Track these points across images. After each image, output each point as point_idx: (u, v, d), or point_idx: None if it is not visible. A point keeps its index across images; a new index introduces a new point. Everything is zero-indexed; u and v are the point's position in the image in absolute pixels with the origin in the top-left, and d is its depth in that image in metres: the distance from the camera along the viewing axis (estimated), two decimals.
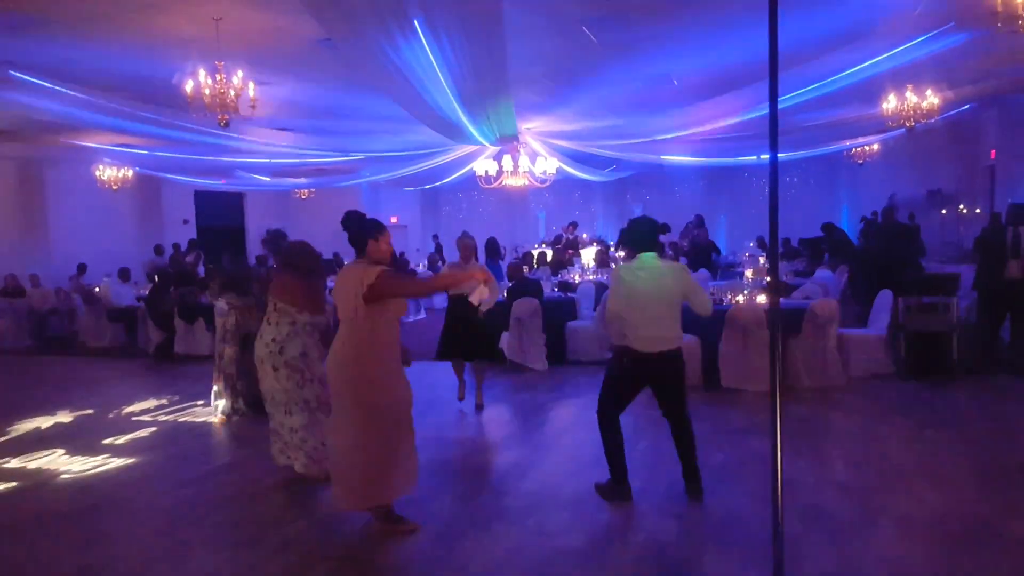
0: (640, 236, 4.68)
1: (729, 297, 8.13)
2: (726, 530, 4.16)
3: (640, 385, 4.63)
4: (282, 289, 5.21)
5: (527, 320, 8.87)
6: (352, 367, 4.12)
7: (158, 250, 15.52)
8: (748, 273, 10.34)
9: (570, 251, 14.47)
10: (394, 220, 21.15)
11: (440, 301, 7.38)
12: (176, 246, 16.00)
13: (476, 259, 7.19)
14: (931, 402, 6.92)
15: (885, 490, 4.70)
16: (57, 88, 8.55)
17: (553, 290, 10.51)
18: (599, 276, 12.53)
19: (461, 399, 7.25)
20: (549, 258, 13.85)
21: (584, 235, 17.29)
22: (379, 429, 4.11)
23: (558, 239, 15.91)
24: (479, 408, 7.24)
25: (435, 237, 19.54)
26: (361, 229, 4.25)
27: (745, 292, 8.17)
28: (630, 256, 4.67)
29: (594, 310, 10.18)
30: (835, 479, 4.91)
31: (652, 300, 4.46)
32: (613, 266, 8.58)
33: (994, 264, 8.03)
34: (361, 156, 14.77)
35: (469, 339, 6.97)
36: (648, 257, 4.58)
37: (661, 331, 4.47)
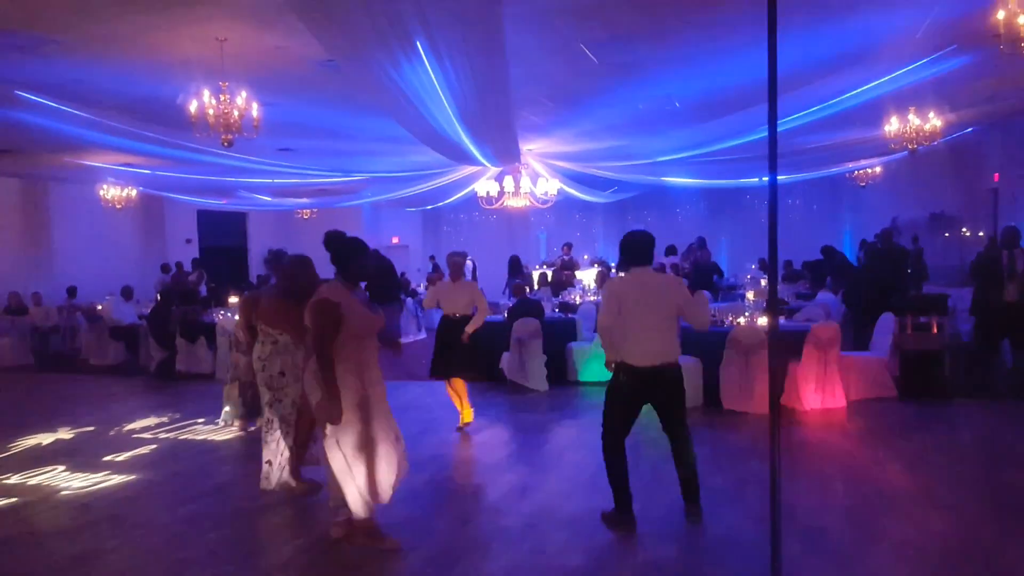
0: (634, 249, 4.57)
1: (730, 319, 8.12)
2: (725, 552, 4.12)
3: (640, 402, 4.51)
4: (267, 310, 5.25)
5: (528, 340, 8.86)
6: (315, 389, 4.09)
7: (165, 268, 15.59)
8: (749, 295, 10.35)
9: (566, 272, 14.42)
10: (395, 240, 21.23)
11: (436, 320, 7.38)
12: (179, 265, 16.05)
13: (464, 276, 7.22)
14: (932, 426, 6.89)
15: (884, 513, 4.65)
16: (62, 108, 8.63)
17: (554, 311, 10.51)
18: (599, 297, 12.54)
19: (461, 428, 7.12)
20: (549, 279, 13.86)
21: (585, 256, 17.30)
22: (349, 444, 4.08)
23: (562, 261, 15.90)
24: (465, 424, 7.15)
25: (432, 258, 19.59)
26: (346, 247, 4.25)
27: (746, 314, 8.16)
28: (625, 270, 4.62)
29: (594, 331, 10.18)
30: (834, 502, 4.86)
31: (647, 312, 4.39)
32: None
33: (992, 287, 8.06)
34: (363, 177, 14.85)
35: (458, 357, 6.97)
36: (642, 270, 4.53)
37: (657, 344, 4.38)
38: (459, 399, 7.14)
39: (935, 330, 7.81)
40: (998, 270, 8.01)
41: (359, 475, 4.12)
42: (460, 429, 7.11)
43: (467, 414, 7.18)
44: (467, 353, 7.02)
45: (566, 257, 15.51)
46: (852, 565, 3.89)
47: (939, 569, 3.85)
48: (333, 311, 4.00)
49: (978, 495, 4.97)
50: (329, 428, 4.07)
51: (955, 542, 4.18)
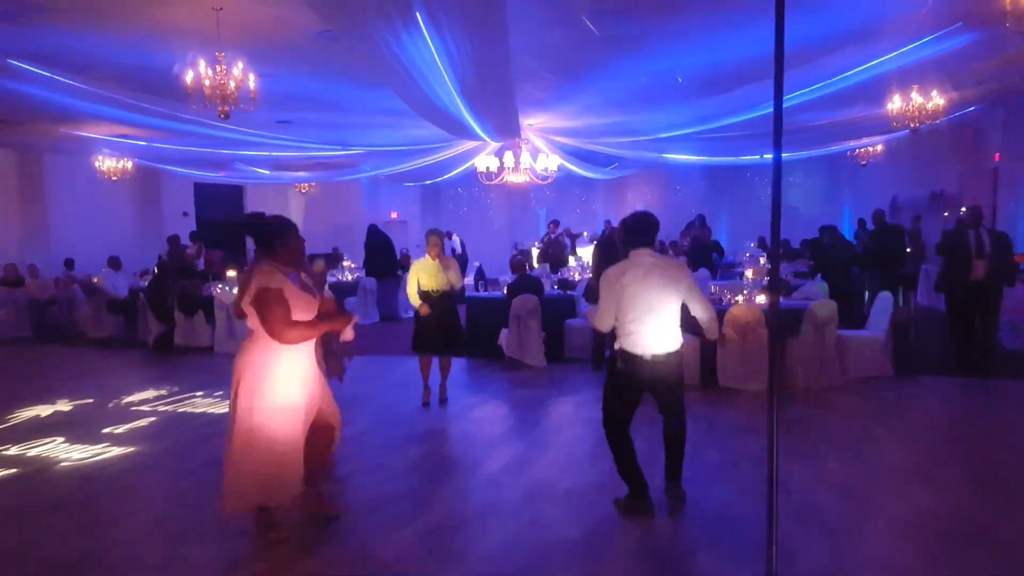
0: (635, 229, 4.40)
1: (729, 297, 8.13)
2: (720, 527, 4.15)
3: (640, 390, 4.35)
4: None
5: (526, 317, 8.86)
6: (240, 369, 3.94)
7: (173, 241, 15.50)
8: (748, 273, 10.33)
9: (551, 250, 14.21)
10: (394, 216, 21.13)
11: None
12: (176, 237, 16.00)
13: (444, 253, 7.16)
14: (926, 403, 6.94)
15: (878, 490, 4.70)
16: (56, 78, 8.51)
17: (553, 288, 10.51)
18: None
19: (426, 404, 7.17)
20: (535, 258, 13.81)
21: (584, 233, 17.23)
22: (263, 434, 3.89)
23: (548, 239, 15.71)
24: (443, 403, 7.24)
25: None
26: (267, 230, 3.96)
27: (745, 292, 8.16)
28: (625, 252, 4.42)
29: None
30: (829, 479, 4.89)
31: (647, 298, 4.22)
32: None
33: (960, 265, 8.16)
34: (361, 150, 14.74)
35: (440, 333, 7.00)
36: (643, 253, 4.32)
37: (657, 331, 4.24)
38: (432, 376, 7.26)
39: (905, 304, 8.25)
40: (966, 249, 8.09)
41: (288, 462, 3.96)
42: (426, 405, 7.15)
43: (443, 390, 7.28)
44: (450, 330, 7.10)
45: (553, 235, 15.34)
46: (845, 540, 3.93)
47: (931, 545, 3.89)
48: (277, 298, 3.79)
49: (969, 472, 5.01)
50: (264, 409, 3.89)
51: (945, 517, 4.22)
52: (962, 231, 8.39)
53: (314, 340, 4.09)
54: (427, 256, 7.05)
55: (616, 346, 4.34)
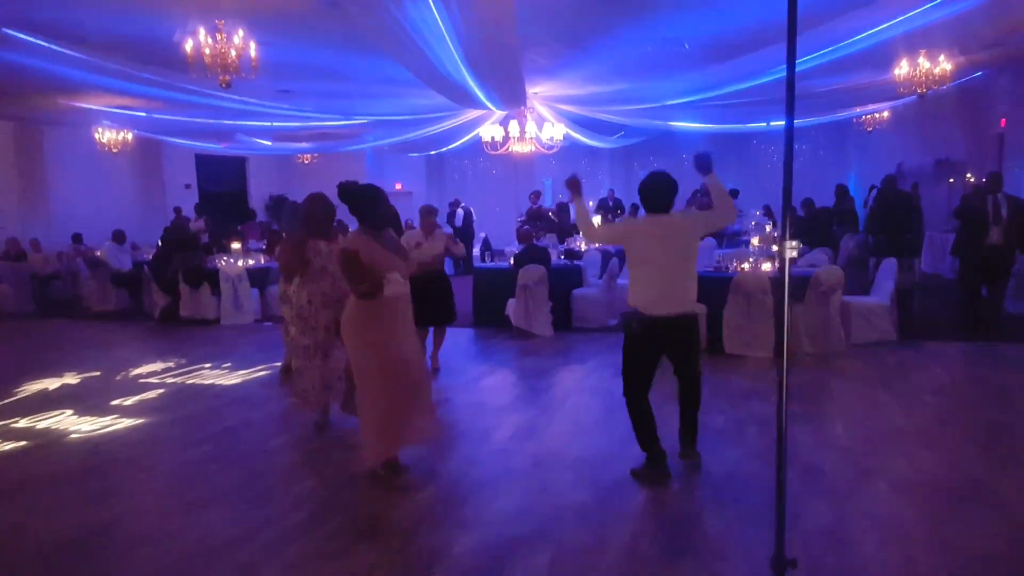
0: (650, 193, 4.27)
1: (735, 265, 8.12)
2: (727, 489, 4.19)
3: (657, 353, 4.29)
4: (285, 251, 5.43)
5: (534, 287, 8.86)
6: (349, 327, 4.33)
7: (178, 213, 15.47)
8: (754, 241, 10.32)
9: (537, 222, 13.76)
10: (399, 187, 21.03)
11: None
12: (178, 210, 15.96)
13: (439, 228, 7.30)
14: (928, 368, 6.97)
15: (882, 452, 4.74)
16: (53, 47, 8.41)
17: (560, 258, 10.51)
18: (604, 244, 12.49)
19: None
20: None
21: (591, 203, 17.11)
22: (383, 386, 4.27)
23: (529, 211, 15.43)
24: (435, 371, 7.25)
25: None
26: (355, 194, 4.35)
27: (751, 260, 8.15)
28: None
29: (599, 278, 10.19)
30: (834, 442, 4.94)
31: (666, 257, 4.14)
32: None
33: (976, 231, 8.18)
34: (365, 120, 14.62)
35: (432, 306, 7.00)
36: (661, 217, 4.25)
37: (676, 292, 4.17)
38: (438, 345, 7.40)
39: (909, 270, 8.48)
40: (983, 215, 8.08)
41: (378, 414, 4.29)
42: (435, 372, 7.23)
43: (435, 360, 7.34)
44: (444, 303, 7.22)
45: (534, 206, 15.13)
46: (850, 501, 3.97)
47: (935, 505, 3.94)
48: (352, 259, 4.18)
49: (971, 434, 5.07)
50: (362, 367, 4.32)
51: (948, 478, 4.27)
52: (980, 196, 8.38)
53: (403, 297, 4.39)
54: (419, 230, 7.16)
55: (633, 306, 4.29)
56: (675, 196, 4.33)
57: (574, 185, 4.55)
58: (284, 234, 6.30)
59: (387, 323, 4.29)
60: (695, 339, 4.37)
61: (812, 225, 11.94)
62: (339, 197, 4.35)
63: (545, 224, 14.38)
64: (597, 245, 11.50)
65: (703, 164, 4.35)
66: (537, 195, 15.35)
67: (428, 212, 7.30)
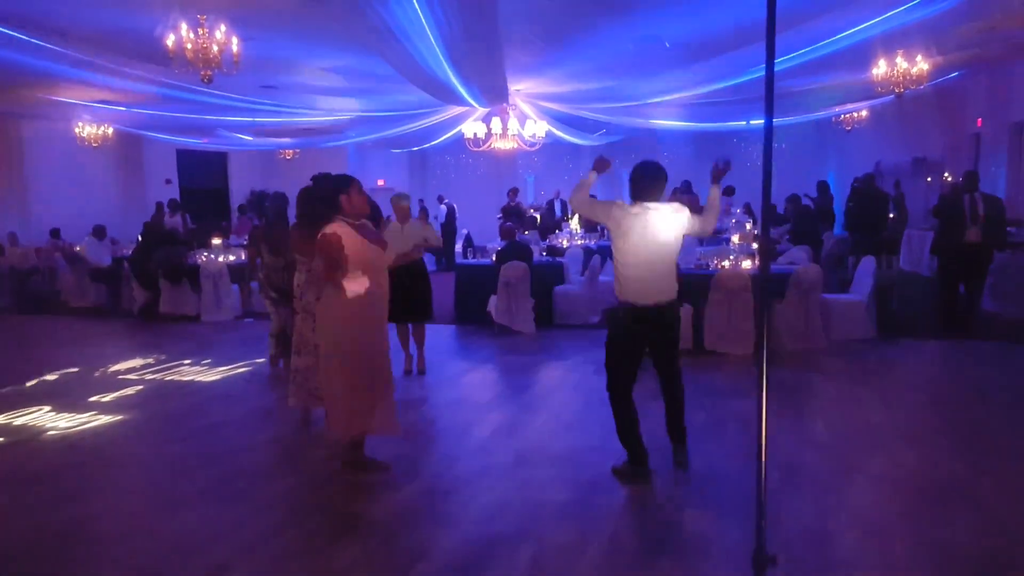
0: (641, 182, 4.26)
1: (715, 262, 8.18)
2: (708, 487, 4.23)
3: (641, 344, 4.31)
4: (296, 242, 5.51)
5: (516, 284, 8.87)
6: (324, 314, 4.37)
7: (173, 205, 15.37)
8: (735, 239, 10.39)
9: (511, 221, 13.59)
10: (381, 183, 20.96)
11: None
12: (159, 205, 15.84)
13: (411, 218, 7.03)
14: (907, 365, 7.07)
15: (862, 449, 4.80)
16: (31, 40, 8.30)
17: (542, 254, 10.53)
18: (587, 241, 12.54)
19: (408, 372, 7.08)
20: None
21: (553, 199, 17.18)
22: (351, 369, 4.30)
23: (507, 208, 15.31)
24: (421, 373, 7.11)
25: (421, 201, 19.42)
26: (331, 186, 4.36)
27: (731, 257, 8.21)
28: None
29: (581, 275, 10.23)
30: (814, 439, 4.99)
31: (654, 246, 4.18)
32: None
33: (954, 229, 8.28)
34: (347, 116, 14.56)
35: (408, 302, 6.73)
36: (650, 205, 4.23)
37: (660, 282, 4.22)
38: (412, 344, 7.17)
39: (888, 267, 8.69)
40: (960, 213, 8.20)
41: (345, 394, 4.31)
42: (408, 373, 7.08)
43: (421, 361, 7.17)
44: (416, 299, 6.92)
45: (512, 203, 15.07)
46: (830, 499, 4.02)
47: (913, 502, 4.00)
48: (331, 243, 4.15)
49: (950, 431, 5.13)
50: (327, 348, 4.35)
51: (927, 475, 4.32)
52: (957, 195, 8.50)
53: (379, 287, 4.37)
54: (395, 222, 6.88)
55: (617, 296, 4.30)
56: (664, 186, 4.34)
57: (602, 163, 4.49)
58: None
59: (360, 311, 4.26)
60: (677, 329, 4.40)
61: (799, 221, 12.01)
62: (313, 189, 4.37)
63: (521, 221, 14.34)
64: (590, 242, 11.58)
65: (720, 172, 4.37)
66: (515, 191, 15.32)
67: (400, 198, 6.95)
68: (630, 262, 4.23)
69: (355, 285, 4.15)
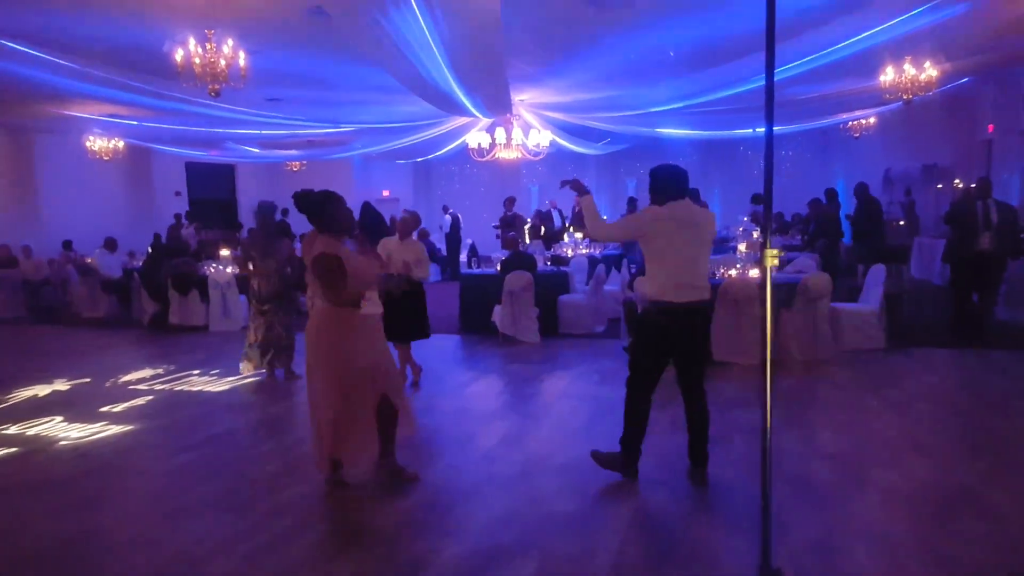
0: (666, 183, 4.31)
1: (722, 271, 8.15)
2: (714, 498, 4.21)
3: (673, 343, 4.30)
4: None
5: (520, 293, 8.88)
6: (314, 334, 4.28)
7: (189, 217, 15.61)
8: (741, 247, 10.36)
9: (510, 231, 13.50)
10: (386, 193, 21.06)
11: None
12: (178, 216, 16.13)
13: (412, 236, 6.96)
14: (918, 374, 7.00)
15: (871, 460, 4.75)
16: (44, 56, 8.43)
17: (546, 264, 10.54)
18: (592, 251, 12.55)
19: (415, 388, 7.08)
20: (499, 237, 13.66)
21: (576, 208, 17.15)
22: (337, 394, 4.21)
23: (503, 218, 15.28)
24: (415, 386, 7.09)
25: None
26: (313, 202, 4.20)
27: (738, 266, 8.19)
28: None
29: (586, 284, 10.22)
30: (822, 449, 4.95)
31: (689, 243, 4.21)
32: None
33: (966, 236, 8.22)
34: (352, 128, 14.64)
35: (403, 320, 6.63)
36: (680, 203, 4.27)
37: (697, 280, 4.23)
38: (407, 361, 7.11)
39: (898, 275, 8.64)
40: (974, 220, 8.14)
41: (327, 425, 4.26)
42: (416, 384, 7.14)
43: (415, 375, 7.21)
44: (415, 316, 6.87)
45: (509, 213, 15.07)
46: (838, 510, 3.99)
47: (924, 513, 3.95)
48: (335, 264, 4.05)
49: (961, 442, 5.08)
50: (318, 372, 4.27)
51: (938, 487, 4.28)
52: (970, 202, 8.42)
53: (376, 307, 4.40)
54: (396, 238, 6.80)
55: (652, 296, 4.30)
56: (686, 183, 4.39)
57: (577, 185, 4.58)
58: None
59: (357, 333, 4.23)
60: (707, 330, 4.44)
61: (821, 225, 11.96)
62: (296, 207, 4.19)
63: (519, 232, 14.31)
64: (595, 251, 11.53)
65: (573, 185, 4.64)
66: (512, 202, 15.31)
67: (411, 219, 6.93)
68: (670, 263, 4.23)
69: (370, 307, 4.21)
